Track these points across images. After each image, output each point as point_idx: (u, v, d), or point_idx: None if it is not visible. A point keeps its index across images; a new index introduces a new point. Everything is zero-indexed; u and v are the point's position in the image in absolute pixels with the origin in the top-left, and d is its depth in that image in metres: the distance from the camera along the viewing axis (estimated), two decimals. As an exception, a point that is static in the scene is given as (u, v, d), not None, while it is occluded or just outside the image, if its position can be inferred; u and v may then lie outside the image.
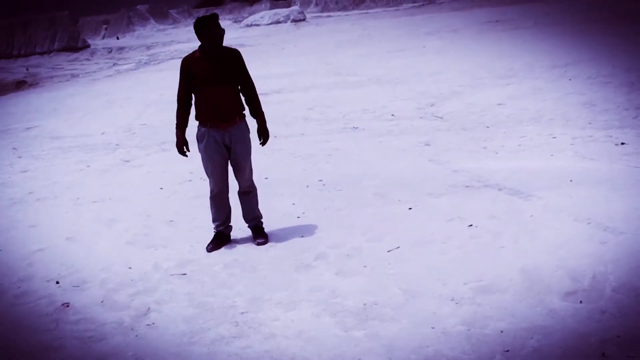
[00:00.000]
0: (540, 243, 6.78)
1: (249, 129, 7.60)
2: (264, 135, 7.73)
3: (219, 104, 7.29)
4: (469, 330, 5.26)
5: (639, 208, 7.47)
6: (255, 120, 7.70)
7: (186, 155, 7.75)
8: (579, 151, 10.37)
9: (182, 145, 7.63)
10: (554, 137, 11.49)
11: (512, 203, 8.18)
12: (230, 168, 7.69)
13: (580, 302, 5.49)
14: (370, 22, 67.64)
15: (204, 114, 7.35)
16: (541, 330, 5.11)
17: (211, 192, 7.75)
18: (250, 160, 7.69)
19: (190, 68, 7.28)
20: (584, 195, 8.11)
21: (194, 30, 7.26)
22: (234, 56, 7.41)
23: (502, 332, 5.16)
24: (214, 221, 7.88)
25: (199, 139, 7.46)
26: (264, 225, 8.02)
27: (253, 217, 7.95)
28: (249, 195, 7.89)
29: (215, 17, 7.29)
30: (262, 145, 7.85)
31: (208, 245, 7.74)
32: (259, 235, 7.87)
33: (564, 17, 42.24)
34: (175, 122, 7.67)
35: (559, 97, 15.25)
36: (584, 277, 5.87)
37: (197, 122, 7.49)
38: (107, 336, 5.84)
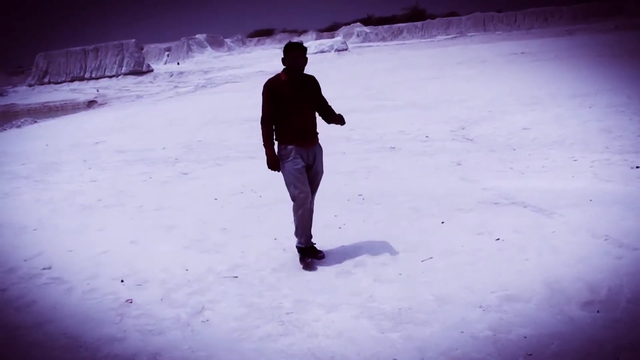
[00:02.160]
0: (561, 257, 6.72)
1: (322, 149, 7.36)
2: (339, 118, 7.26)
3: (306, 125, 7.07)
4: (494, 335, 5.22)
5: (652, 226, 7.37)
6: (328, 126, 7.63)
7: (279, 170, 7.18)
8: (597, 173, 10.26)
9: (277, 161, 7.10)
10: (575, 160, 11.38)
11: (536, 219, 8.11)
12: None
13: (597, 311, 5.43)
14: (407, 52, 67.59)
15: (290, 133, 7.02)
16: (561, 337, 5.06)
17: (300, 205, 7.17)
18: None
19: (277, 91, 6.99)
20: (602, 214, 8.00)
21: (284, 53, 7.00)
22: (315, 81, 7.27)
23: (525, 337, 5.12)
24: (302, 236, 7.36)
25: (285, 156, 7.07)
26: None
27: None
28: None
29: (303, 46, 7.12)
30: (342, 124, 7.29)
31: (306, 260, 7.25)
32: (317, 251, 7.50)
33: (583, 50, 41.96)
34: (263, 143, 7.13)
35: (579, 123, 15.10)
36: (601, 289, 5.81)
37: (276, 142, 7.18)
38: (165, 330, 5.89)
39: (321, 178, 7.40)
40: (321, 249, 7.56)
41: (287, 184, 7.15)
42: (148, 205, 10.83)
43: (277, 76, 7.15)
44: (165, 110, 31.21)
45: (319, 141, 7.28)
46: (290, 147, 7.03)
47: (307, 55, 7.05)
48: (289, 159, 7.04)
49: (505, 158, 12.23)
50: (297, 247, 7.41)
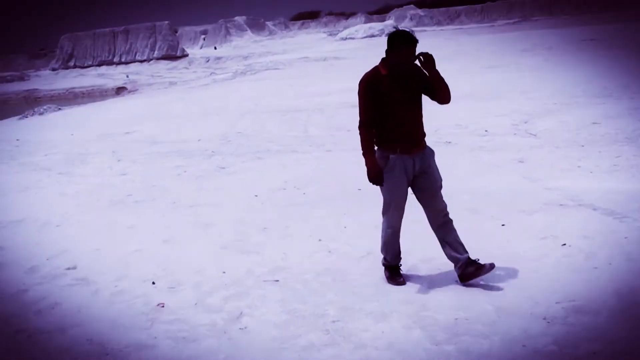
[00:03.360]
0: (634, 265, 6.64)
1: (434, 151, 6.75)
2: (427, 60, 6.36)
3: (412, 127, 6.50)
4: (560, 350, 5.17)
5: None
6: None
7: (382, 185, 6.58)
8: (676, 173, 10.11)
9: (379, 173, 6.50)
10: (651, 158, 11.23)
11: (606, 224, 8.01)
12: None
13: (677, 327, 5.34)
14: (464, 38, 67.17)
15: (393, 138, 6.44)
16: (635, 354, 5.00)
17: (390, 227, 6.76)
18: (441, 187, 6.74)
19: (377, 88, 6.36)
20: (682, 218, 7.90)
21: (390, 45, 6.36)
22: (419, 69, 6.49)
23: (594, 353, 5.06)
24: (388, 253, 6.90)
25: (387, 166, 6.48)
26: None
27: (465, 249, 6.72)
28: (449, 222, 6.77)
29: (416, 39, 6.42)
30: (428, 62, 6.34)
31: (397, 279, 6.82)
32: (474, 264, 6.59)
33: (663, 37, 41.23)
34: (362, 151, 6.54)
35: (656, 117, 14.90)
36: (681, 302, 5.72)
37: (375, 148, 6.58)
38: (200, 337, 5.92)
39: (441, 186, 6.68)
40: (365, 251, 7.65)
41: (384, 200, 6.71)
42: (182, 201, 10.93)
43: (376, 69, 6.48)
44: (201, 98, 31.47)
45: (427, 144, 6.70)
46: (393, 156, 6.45)
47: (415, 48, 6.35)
48: (390, 172, 6.48)
49: (573, 155, 12.09)
50: (382, 263, 7.03)
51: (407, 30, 6.71)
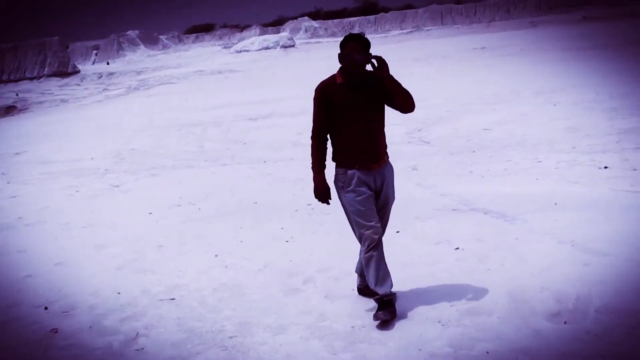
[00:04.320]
0: (525, 265, 6.82)
1: (393, 167, 6.32)
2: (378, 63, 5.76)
3: (372, 140, 5.97)
4: (455, 352, 5.28)
5: (622, 231, 7.54)
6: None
7: (329, 204, 6.22)
8: (563, 175, 10.46)
9: (325, 191, 6.09)
10: (539, 161, 11.58)
11: (498, 226, 8.23)
12: None
13: (565, 323, 5.53)
14: (358, 48, 67.82)
15: (351, 153, 5.94)
16: (527, 351, 5.14)
17: (371, 245, 5.94)
18: None
19: (332, 97, 5.88)
20: (568, 218, 8.17)
21: (340, 49, 5.88)
22: (378, 79, 5.91)
23: (488, 353, 5.19)
24: (381, 285, 5.98)
25: (345, 185, 5.98)
26: None
27: None
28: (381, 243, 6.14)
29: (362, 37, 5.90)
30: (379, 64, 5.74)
31: (384, 314, 5.91)
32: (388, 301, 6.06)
33: (548, 44, 42.70)
34: (311, 164, 6.15)
35: (544, 122, 15.40)
36: (569, 299, 5.92)
37: (334, 164, 6.11)
38: (96, 361, 5.82)
39: (391, 207, 6.35)
40: (261, 264, 7.62)
41: (350, 222, 6.14)
42: (75, 222, 10.71)
43: (332, 78, 6.00)
44: (94, 115, 30.91)
45: (389, 158, 6.25)
46: (351, 171, 5.95)
47: (365, 49, 5.77)
48: (350, 188, 5.96)
49: (465, 161, 12.38)
50: (378, 299, 6.04)
51: (356, 33, 6.09)
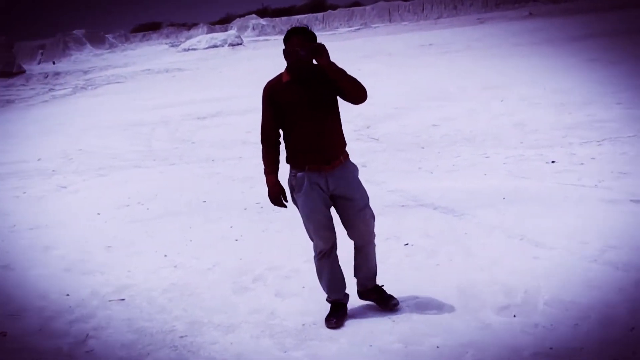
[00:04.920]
0: (474, 260, 6.89)
1: (356, 167, 5.93)
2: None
3: (321, 140, 5.63)
4: (405, 347, 5.30)
5: (569, 224, 7.65)
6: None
7: (285, 206, 5.89)
8: (511, 170, 10.58)
9: (278, 194, 5.80)
10: (487, 157, 11.70)
11: (446, 222, 8.30)
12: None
13: (514, 316, 5.58)
14: (307, 46, 67.85)
15: (300, 154, 5.67)
16: (476, 345, 5.18)
17: (319, 253, 5.92)
18: (369, 205, 5.88)
19: (278, 97, 5.61)
20: (516, 213, 8.27)
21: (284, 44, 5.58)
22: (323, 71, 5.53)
23: (438, 347, 5.22)
24: (329, 292, 6.03)
25: (296, 186, 5.71)
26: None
27: (373, 275, 6.17)
28: (368, 247, 6.07)
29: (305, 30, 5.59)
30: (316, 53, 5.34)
31: (330, 320, 5.87)
32: (389, 296, 6.10)
33: (496, 40, 43.15)
34: (263, 166, 5.85)
35: (491, 117, 15.58)
36: (517, 292, 5.99)
37: (288, 165, 5.82)
38: (45, 364, 5.74)
39: (364, 207, 5.81)
40: (211, 263, 7.58)
41: (305, 226, 5.92)
42: (22, 224, 10.55)
43: (278, 77, 5.75)
44: (41, 115, 30.47)
45: (349, 157, 5.89)
46: (300, 174, 5.67)
47: (308, 42, 5.43)
48: (302, 192, 5.69)
49: (413, 157, 12.47)
50: (326, 300, 6.11)
51: (298, 26, 5.74)
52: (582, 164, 10.47)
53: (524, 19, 72.72)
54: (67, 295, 7.22)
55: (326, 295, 6.07)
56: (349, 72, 5.50)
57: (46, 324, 6.54)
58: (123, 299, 6.97)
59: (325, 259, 5.92)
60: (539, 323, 5.41)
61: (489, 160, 11.44)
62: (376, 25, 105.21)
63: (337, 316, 5.91)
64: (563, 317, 5.47)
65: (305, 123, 5.58)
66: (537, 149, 11.79)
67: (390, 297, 6.07)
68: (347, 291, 6.10)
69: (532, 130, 13.58)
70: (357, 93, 5.58)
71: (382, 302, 6.07)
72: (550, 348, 5.01)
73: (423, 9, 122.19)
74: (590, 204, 8.42)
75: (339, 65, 5.43)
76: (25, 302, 7.15)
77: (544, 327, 5.34)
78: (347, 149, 5.88)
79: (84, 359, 5.79)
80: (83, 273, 7.93)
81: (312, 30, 5.57)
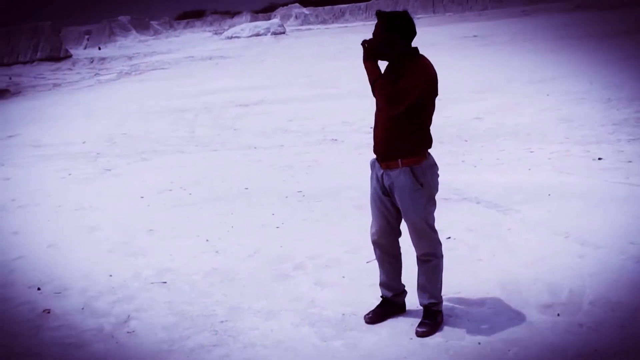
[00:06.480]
0: (517, 256, 6.80)
1: (422, 184, 5.36)
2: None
3: (378, 135, 5.38)
4: (446, 341, 5.25)
5: (617, 223, 7.51)
6: None
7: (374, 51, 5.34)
8: (556, 166, 10.43)
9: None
10: (532, 152, 11.54)
11: (489, 216, 8.20)
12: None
13: (558, 315, 5.49)
14: (349, 36, 67.73)
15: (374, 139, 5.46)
16: (518, 343, 5.11)
17: (371, 237, 5.72)
18: (423, 221, 5.36)
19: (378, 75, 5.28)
20: (562, 209, 8.14)
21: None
22: (419, 73, 5.31)
23: (479, 344, 5.16)
24: (380, 280, 5.87)
25: (371, 165, 5.58)
26: (441, 309, 5.63)
27: (427, 295, 5.59)
28: (425, 264, 5.57)
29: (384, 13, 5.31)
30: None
31: (367, 313, 5.77)
32: (428, 319, 5.53)
33: (541, 33, 42.65)
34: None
35: (536, 112, 15.36)
36: (562, 291, 5.89)
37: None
38: (87, 343, 5.78)
39: (418, 224, 5.37)
40: (252, 250, 7.53)
41: None
42: (67, 205, 10.65)
43: None
44: (86, 100, 30.76)
45: (418, 166, 5.37)
46: (372, 159, 5.53)
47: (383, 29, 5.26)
48: (370, 175, 5.56)
49: (456, 150, 12.34)
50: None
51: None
52: (630, 161, 10.27)
53: (571, 11, 71.85)
54: (110, 276, 7.28)
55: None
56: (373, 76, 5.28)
57: (89, 303, 6.61)
58: (165, 282, 6.99)
59: (376, 248, 5.73)
60: (584, 323, 5.32)
61: (533, 155, 11.29)
62: (420, 16, 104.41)
63: (373, 311, 5.78)
64: (609, 318, 5.37)
65: (378, 112, 5.37)
66: (583, 145, 11.60)
67: (429, 320, 5.53)
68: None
69: (579, 125, 13.36)
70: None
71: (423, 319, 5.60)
72: (595, 349, 4.92)
73: (468, 0, 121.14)
74: (639, 203, 8.27)
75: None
76: (70, 281, 7.23)
77: (588, 328, 5.25)
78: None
79: (126, 339, 5.83)
80: (126, 255, 7.98)
81: (386, 13, 5.31)
